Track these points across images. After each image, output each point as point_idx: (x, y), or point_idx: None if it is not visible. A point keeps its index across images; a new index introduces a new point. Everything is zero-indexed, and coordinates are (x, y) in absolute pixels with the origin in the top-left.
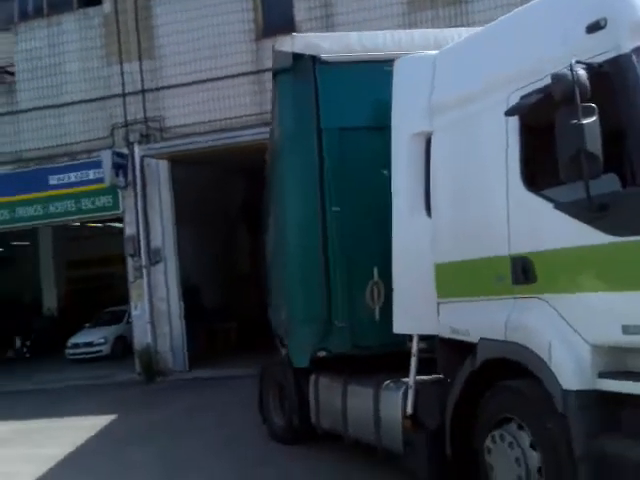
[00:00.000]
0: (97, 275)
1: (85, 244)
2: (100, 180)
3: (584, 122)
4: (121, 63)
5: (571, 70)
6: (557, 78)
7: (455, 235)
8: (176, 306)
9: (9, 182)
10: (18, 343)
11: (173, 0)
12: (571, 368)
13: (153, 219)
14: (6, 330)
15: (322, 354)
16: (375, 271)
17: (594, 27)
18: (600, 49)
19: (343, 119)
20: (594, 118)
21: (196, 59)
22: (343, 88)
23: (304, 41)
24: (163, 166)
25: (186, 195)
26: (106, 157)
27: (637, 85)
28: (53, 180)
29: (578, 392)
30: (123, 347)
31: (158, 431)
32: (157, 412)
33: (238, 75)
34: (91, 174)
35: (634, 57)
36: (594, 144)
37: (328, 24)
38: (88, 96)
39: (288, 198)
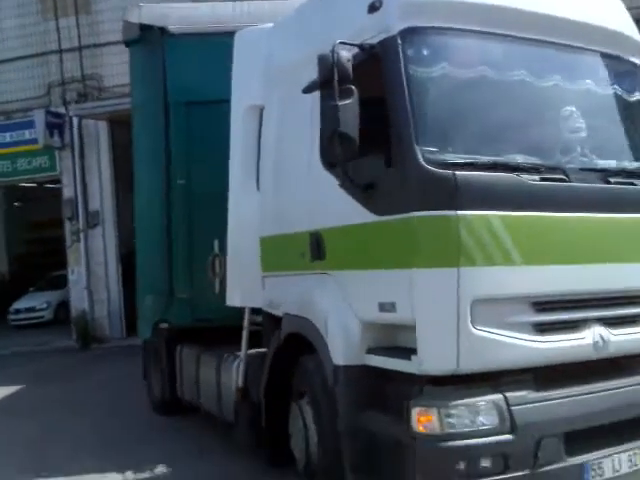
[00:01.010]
0: (53, 238)
1: (40, 206)
2: (36, 140)
3: (340, 104)
4: (57, 18)
5: (332, 52)
6: (320, 59)
7: (275, 209)
8: (114, 271)
9: None
10: None
11: None
12: (342, 343)
13: (91, 181)
14: None
15: (164, 326)
16: (216, 244)
17: (372, 8)
18: (376, 30)
19: (191, 93)
20: (350, 100)
21: None
22: (192, 61)
23: (152, 11)
24: (102, 127)
25: (128, 159)
26: (39, 117)
27: (399, 68)
28: None
29: (346, 367)
30: (66, 312)
31: (57, 404)
32: (71, 383)
33: None
34: (27, 134)
35: (399, 39)
36: (349, 126)
37: None
38: (24, 53)
39: (136, 168)
